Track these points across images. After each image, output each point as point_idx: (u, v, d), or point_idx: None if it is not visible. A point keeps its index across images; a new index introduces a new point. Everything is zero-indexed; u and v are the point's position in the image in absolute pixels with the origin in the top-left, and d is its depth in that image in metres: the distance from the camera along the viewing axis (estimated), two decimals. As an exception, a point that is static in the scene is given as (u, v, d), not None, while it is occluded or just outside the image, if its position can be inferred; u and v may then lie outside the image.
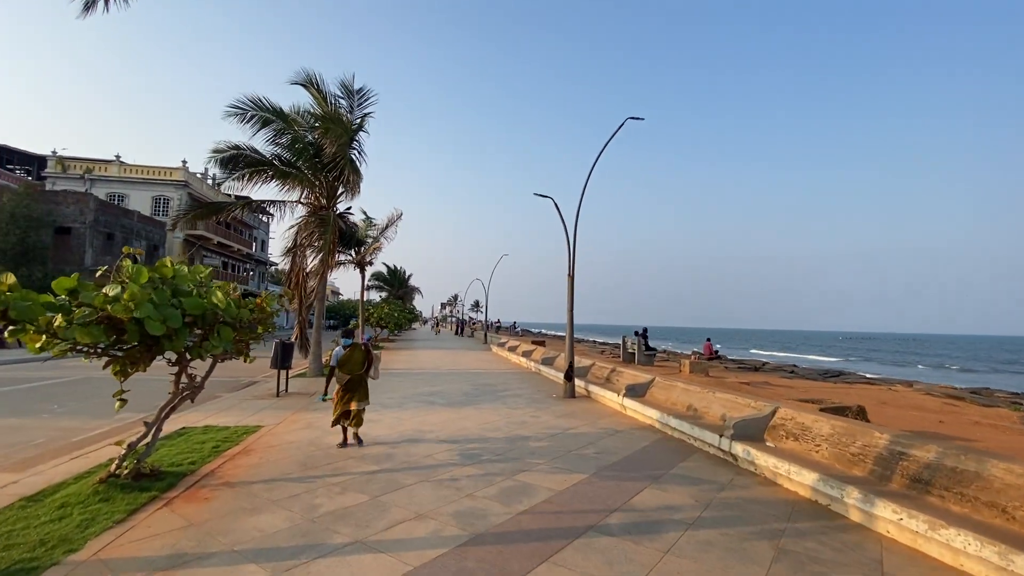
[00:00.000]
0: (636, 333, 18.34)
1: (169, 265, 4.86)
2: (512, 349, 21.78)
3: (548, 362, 15.53)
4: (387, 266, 48.72)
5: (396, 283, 48.92)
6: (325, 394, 6.83)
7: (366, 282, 46.36)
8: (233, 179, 12.25)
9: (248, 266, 50.24)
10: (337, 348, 6.62)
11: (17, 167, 39.09)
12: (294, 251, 13.93)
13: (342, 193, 14.71)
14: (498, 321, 62.78)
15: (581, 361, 13.48)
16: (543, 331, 78.24)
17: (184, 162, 37.85)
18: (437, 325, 66.32)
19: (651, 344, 17.59)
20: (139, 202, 36.33)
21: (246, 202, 13.57)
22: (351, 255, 25.63)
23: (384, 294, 49.07)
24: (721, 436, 6.10)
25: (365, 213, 26.40)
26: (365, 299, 46.06)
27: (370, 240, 26.01)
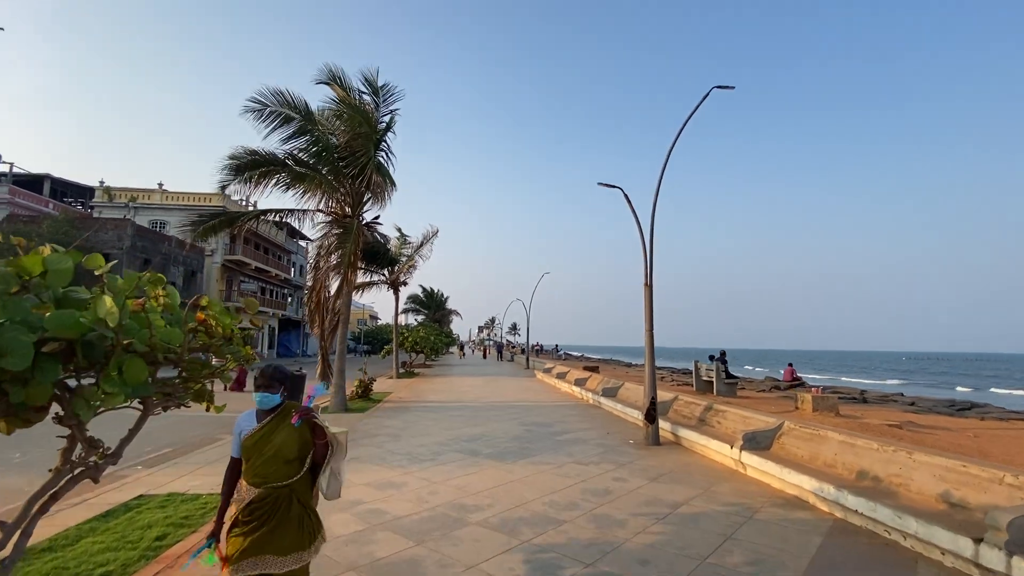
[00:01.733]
0: (711, 357, 15.54)
1: (37, 251, 2.79)
2: (561, 376, 19.27)
3: (610, 393, 12.98)
4: (423, 288, 47.28)
5: (433, 306, 47.33)
6: (211, 540, 2.54)
7: (402, 305, 45.09)
8: (239, 182, 10.58)
9: (286, 291, 49.96)
10: (241, 418, 2.90)
11: (71, 199, 40.20)
12: (315, 268, 12.13)
13: (368, 200, 12.91)
14: (538, 345, 60.18)
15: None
16: (586, 355, 74.90)
17: (223, 187, 37.89)
18: (483, 347, 64.16)
19: (730, 370, 14.78)
20: (179, 228, 36.33)
21: (260, 212, 11.93)
22: (384, 275, 24.01)
23: (421, 317, 47.57)
24: (979, 542, 3.50)
25: (399, 230, 24.90)
26: (402, 323, 44.61)
27: (404, 259, 24.36)
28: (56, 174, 38.82)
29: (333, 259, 12.12)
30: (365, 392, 14.08)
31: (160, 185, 37.36)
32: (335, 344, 13.08)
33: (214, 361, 3.83)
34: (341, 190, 12.56)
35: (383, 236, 22.54)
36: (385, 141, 13.11)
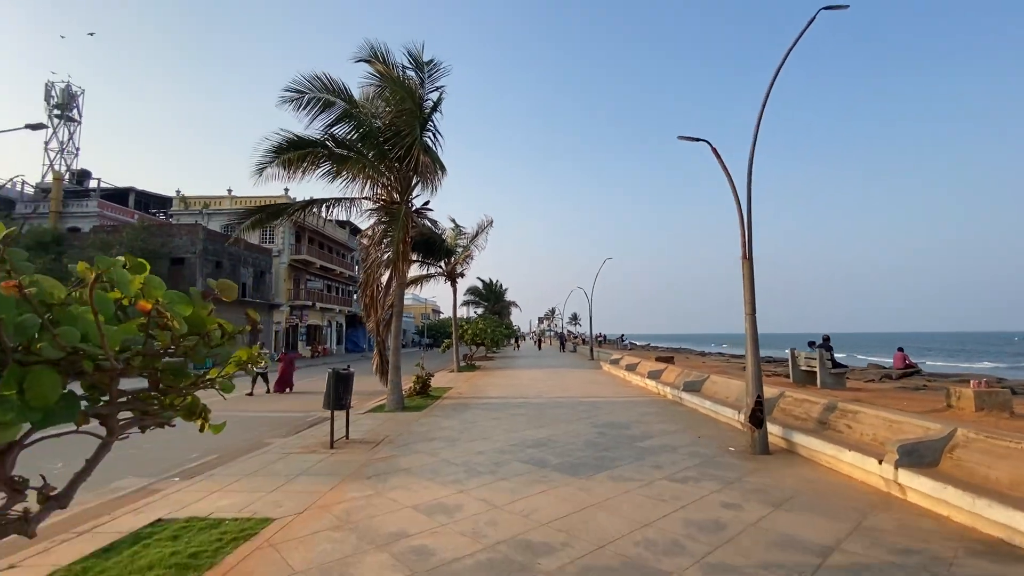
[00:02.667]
0: (811, 344, 13.44)
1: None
2: (631, 368, 17.70)
3: (693, 387, 11.37)
4: (482, 280, 46.77)
5: (492, 298, 46.71)
6: None
7: (461, 297, 44.76)
8: (277, 164, 9.94)
9: (351, 288, 51.20)
10: None
11: (154, 209, 43.10)
12: (366, 261, 11.42)
13: (416, 183, 12.02)
14: (601, 335, 58.20)
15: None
16: (652, 344, 71.88)
17: (286, 190, 38.99)
18: (538, 339, 63.00)
19: (836, 358, 12.63)
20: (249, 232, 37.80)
21: (306, 204, 11.34)
22: (440, 267, 23.37)
23: (481, 310, 47.14)
24: None
25: (454, 221, 24.17)
26: (463, 315, 44.27)
27: (460, 250, 23.60)
28: (139, 187, 41.80)
29: (384, 250, 11.35)
30: (423, 389, 13.33)
31: (229, 191, 39.07)
32: (391, 339, 12.36)
33: (212, 373, 2.88)
34: (387, 175, 11.75)
35: (437, 226, 21.90)
36: (432, 121, 12.14)
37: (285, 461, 6.93)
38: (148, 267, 2.73)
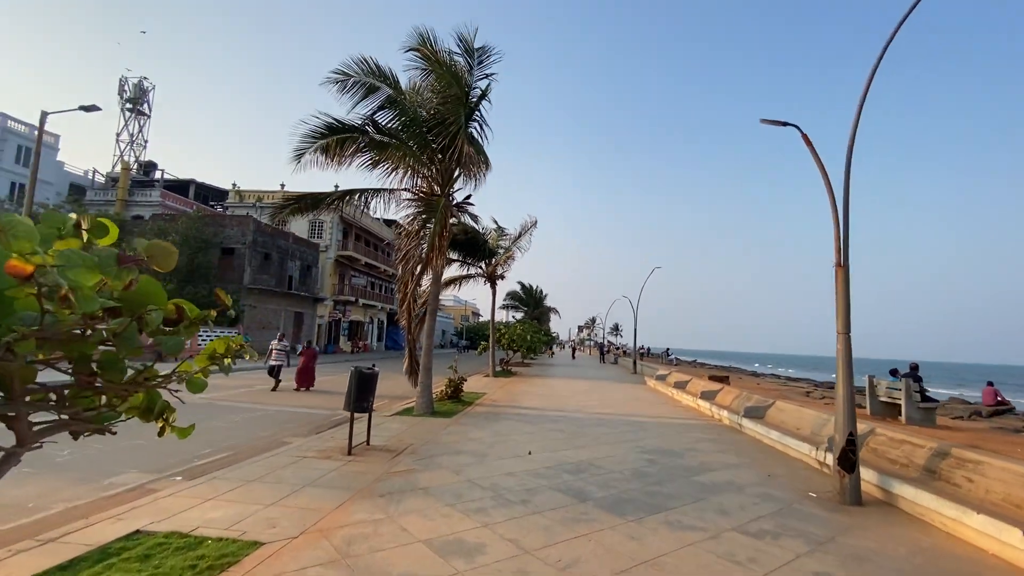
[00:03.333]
0: (894, 372, 11.77)
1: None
2: (680, 386, 16.34)
3: (755, 414, 10.05)
4: (522, 284, 45.98)
5: (531, 303, 45.82)
6: None
7: (501, 301, 44.10)
8: (315, 151, 9.47)
9: (394, 286, 51.60)
10: None
11: (213, 201, 44.91)
12: (402, 257, 10.80)
13: (458, 176, 11.35)
14: (642, 348, 56.08)
15: (824, 421, 7.95)
16: (698, 361, 68.90)
17: (336, 186, 39.77)
18: (575, 349, 61.35)
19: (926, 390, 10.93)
20: (298, 225, 38.57)
21: (344, 193, 10.85)
22: (481, 267, 22.73)
23: (520, 314, 46.35)
24: None
25: (496, 222, 23.55)
26: (501, 319, 43.54)
27: (501, 251, 22.89)
28: (200, 180, 43.67)
29: (420, 244, 10.70)
30: (455, 393, 12.59)
31: (282, 186, 40.07)
32: (423, 338, 11.68)
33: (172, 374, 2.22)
34: (429, 166, 11.14)
35: (478, 221, 21.27)
36: (479, 111, 11.47)
37: (296, 466, 6.28)
38: (114, 229, 2.03)
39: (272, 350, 14.54)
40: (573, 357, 51.66)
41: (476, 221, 12.17)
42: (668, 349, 46.91)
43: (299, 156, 9.38)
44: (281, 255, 32.37)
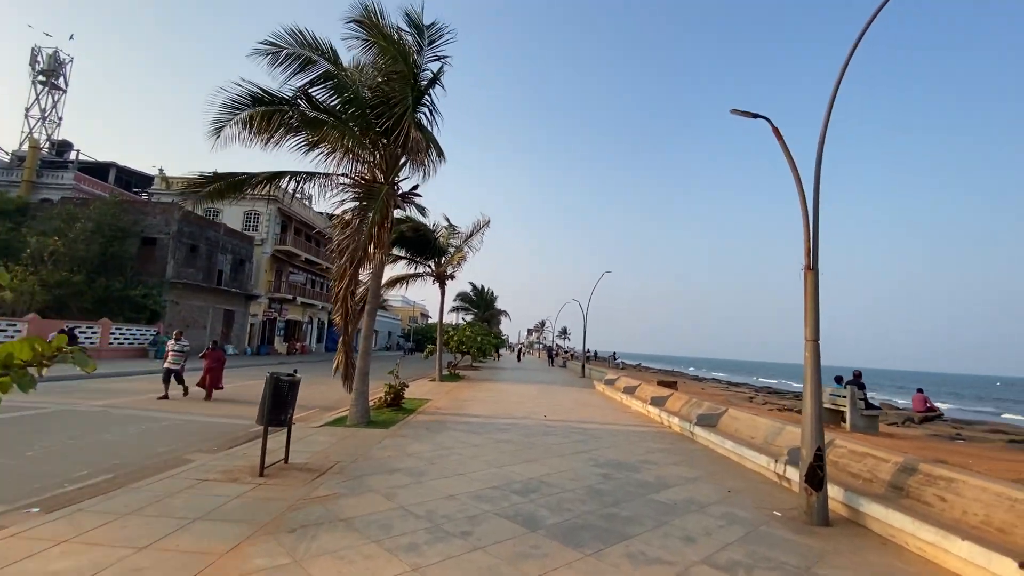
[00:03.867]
0: (838, 380, 11.95)
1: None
2: (629, 391, 16.09)
3: (707, 422, 9.76)
4: (473, 285, 45.19)
5: (482, 305, 45.07)
6: None
7: (451, 303, 43.01)
8: (237, 124, 8.30)
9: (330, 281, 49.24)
10: None
11: (138, 188, 41.05)
12: (337, 250, 9.75)
13: (404, 163, 10.44)
14: (590, 351, 56.52)
15: (778, 426, 7.72)
16: (642, 364, 70.51)
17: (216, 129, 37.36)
18: (520, 352, 60.65)
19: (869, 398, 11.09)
20: (232, 216, 35.96)
21: (272, 176, 9.67)
22: (430, 266, 21.73)
23: (470, 316, 45.45)
24: None
25: (448, 220, 22.61)
26: (454, 322, 42.43)
27: (452, 250, 22.00)
28: (123, 163, 39.81)
29: (357, 235, 9.68)
30: (395, 400, 11.61)
31: (215, 173, 37.19)
32: (361, 340, 10.64)
33: None
34: (371, 150, 10.18)
35: (425, 214, 20.30)
36: (430, 95, 10.64)
37: (192, 492, 5.21)
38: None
39: (168, 351, 12.41)
40: (519, 360, 51.25)
41: (423, 213, 11.26)
42: (615, 353, 47.45)
43: (218, 130, 8.16)
44: (210, 247, 29.86)
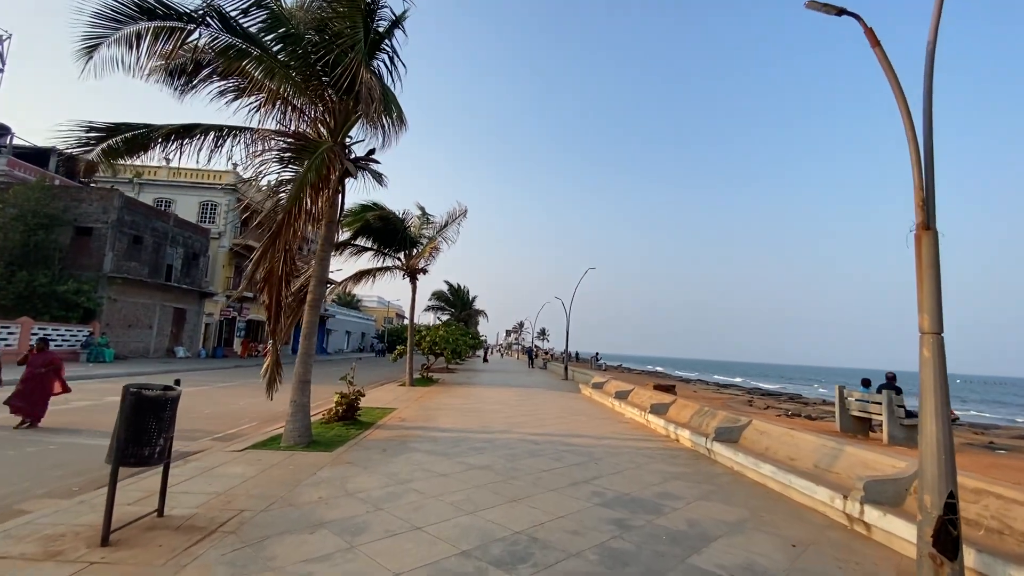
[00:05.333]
0: (866, 383, 10.42)
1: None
2: (622, 396, 14.34)
3: (727, 437, 8.03)
4: (449, 284, 43.16)
5: (459, 304, 43.05)
6: None
7: (426, 302, 40.73)
8: (119, 45, 6.13)
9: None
10: None
11: (84, 178, 37.65)
12: (260, 223, 7.70)
13: (357, 118, 8.44)
14: (567, 352, 54.86)
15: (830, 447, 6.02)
16: (623, 365, 69.38)
17: (235, 166, 34.55)
18: (487, 352, 57.90)
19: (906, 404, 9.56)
20: (186, 207, 33.12)
21: (185, 129, 7.53)
22: (399, 259, 19.64)
23: (447, 316, 43.35)
24: None
25: (422, 209, 20.57)
26: (429, 322, 40.20)
27: (425, 241, 19.95)
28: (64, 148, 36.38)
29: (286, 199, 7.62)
30: (349, 412, 9.56)
31: (167, 161, 34.25)
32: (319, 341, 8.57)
33: None
34: (316, 103, 8.16)
35: (384, 192, 18.22)
36: (390, 42, 8.71)
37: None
38: None
39: None
40: (485, 360, 49.26)
41: (380, 181, 9.18)
42: (597, 354, 45.95)
43: (90, 50, 5.99)
44: (157, 239, 27.08)
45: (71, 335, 21.57)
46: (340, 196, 8.85)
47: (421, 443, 8.24)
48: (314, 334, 8.19)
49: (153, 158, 8.10)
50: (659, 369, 68.73)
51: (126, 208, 24.82)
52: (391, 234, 18.50)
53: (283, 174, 7.38)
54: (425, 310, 44.35)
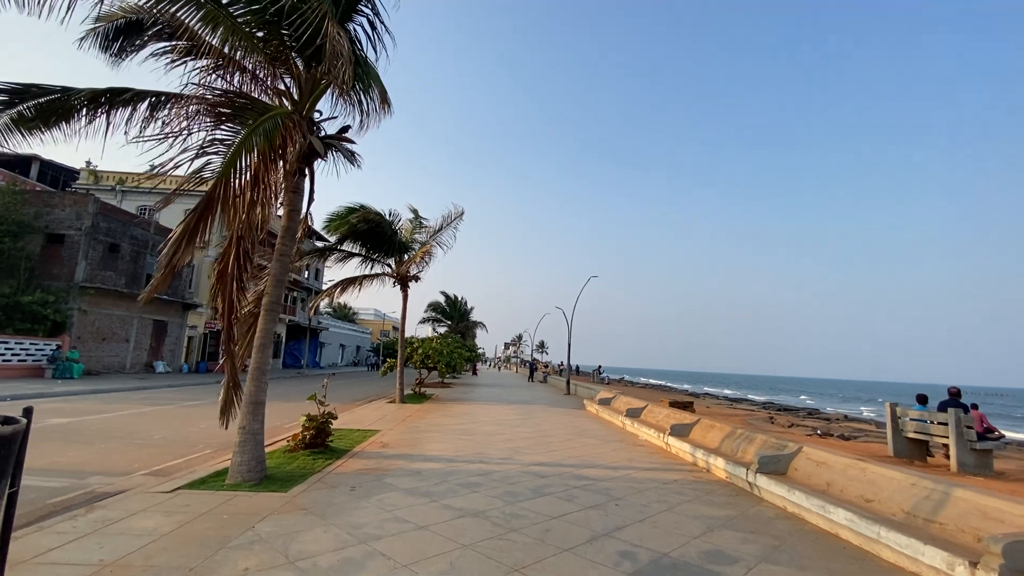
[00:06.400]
0: (922, 400, 9.02)
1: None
2: (634, 415, 12.87)
3: (774, 466, 6.58)
4: (445, 294, 41.86)
5: (455, 315, 41.63)
6: None
7: (422, 313, 39.21)
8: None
9: (296, 294, 45.08)
10: None
11: (68, 184, 36.42)
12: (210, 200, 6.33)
13: (326, 88, 7.14)
14: (569, 365, 53.23)
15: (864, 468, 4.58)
16: (625, 377, 67.77)
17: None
18: (474, 367, 55.45)
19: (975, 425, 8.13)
20: (171, 215, 31.60)
21: (114, 92, 6.20)
22: (389, 266, 18.27)
23: (443, 328, 41.88)
24: None
25: (416, 212, 19.28)
26: (429, 334, 38.73)
27: (417, 245, 18.59)
28: (47, 156, 35.20)
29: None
30: (318, 437, 8.08)
31: (152, 167, 33.02)
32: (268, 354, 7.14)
33: None
34: (275, 66, 6.85)
35: (383, 211, 16.87)
36: (372, 2, 7.44)
37: None
38: None
39: None
40: (474, 373, 47.33)
41: (353, 161, 7.82)
42: (600, 367, 44.35)
43: None
44: (136, 247, 25.69)
45: (36, 349, 20.04)
46: (308, 181, 7.53)
47: (401, 478, 6.77)
48: (269, 345, 6.79)
49: (78, 130, 6.72)
50: (665, 384, 67.06)
51: (102, 214, 23.44)
52: (380, 238, 17.15)
53: (216, 134, 6.00)
54: (421, 322, 42.93)
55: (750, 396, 52.15)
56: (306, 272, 47.28)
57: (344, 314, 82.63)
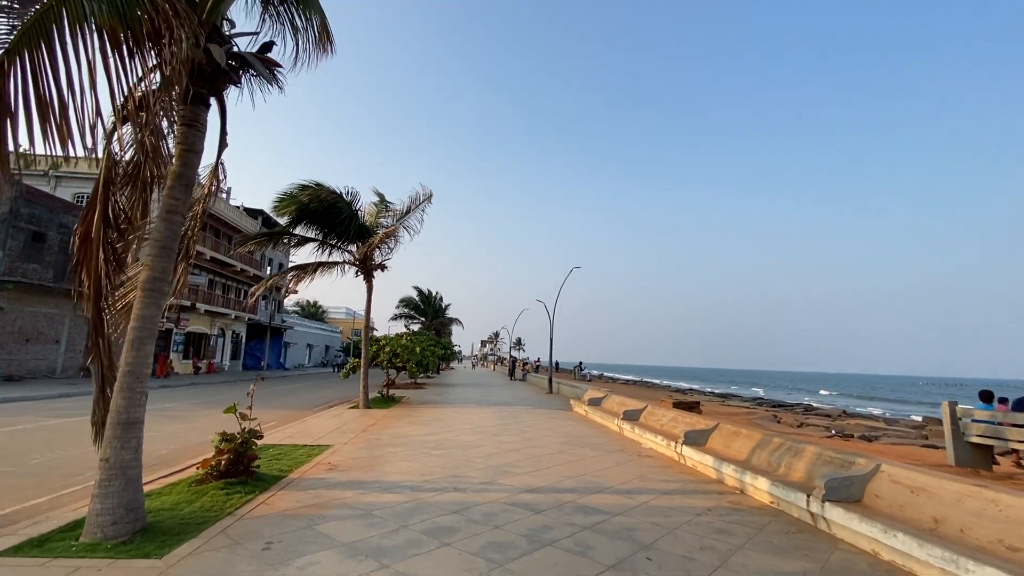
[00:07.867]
0: (986, 398, 7.63)
1: None
2: (632, 417, 11.22)
3: (844, 492, 4.96)
4: (419, 290, 39.75)
5: (430, 311, 39.56)
6: None
7: (392, 309, 36.95)
8: None
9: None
10: None
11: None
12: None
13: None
14: (552, 362, 51.68)
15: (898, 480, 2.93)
16: (604, 374, 66.69)
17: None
18: (471, 363, 53.83)
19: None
20: (111, 204, 28.76)
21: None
22: (350, 252, 16.20)
23: (417, 325, 39.73)
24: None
25: (381, 196, 17.28)
26: (401, 331, 36.60)
27: (381, 230, 16.55)
28: None
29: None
30: (237, 465, 6.08)
31: (91, 152, 29.88)
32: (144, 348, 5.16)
33: None
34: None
35: (343, 192, 14.82)
36: None
37: None
38: None
39: None
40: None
41: (273, 81, 5.82)
42: (581, 363, 42.86)
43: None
44: (67, 237, 22.80)
45: (-63, 353, 17.22)
46: (220, 117, 5.56)
47: (344, 522, 4.87)
48: (150, 340, 4.80)
49: None
50: (649, 380, 66.28)
51: (23, 199, 20.58)
52: (336, 220, 15.08)
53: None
54: (392, 319, 40.71)
55: (708, 389, 52.15)
56: (268, 266, 44.34)
57: (313, 312, 79.23)
